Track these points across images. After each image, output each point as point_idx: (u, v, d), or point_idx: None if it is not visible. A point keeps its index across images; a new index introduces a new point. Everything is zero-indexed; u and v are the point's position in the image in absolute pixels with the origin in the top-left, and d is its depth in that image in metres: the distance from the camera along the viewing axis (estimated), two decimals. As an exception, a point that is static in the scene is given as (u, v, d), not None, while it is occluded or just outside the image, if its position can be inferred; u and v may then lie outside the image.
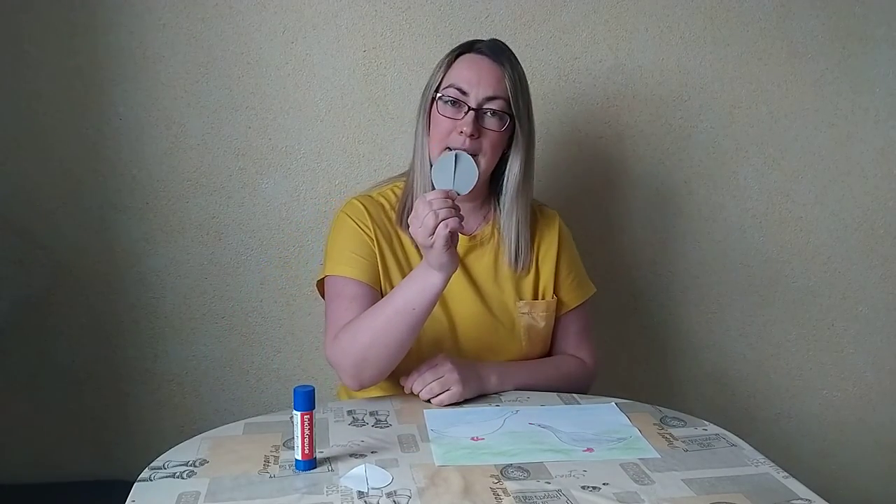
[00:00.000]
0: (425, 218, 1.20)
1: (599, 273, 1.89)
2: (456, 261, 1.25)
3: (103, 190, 1.76)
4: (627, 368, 1.96)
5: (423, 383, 1.31)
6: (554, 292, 1.50)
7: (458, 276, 1.42)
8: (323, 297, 1.46)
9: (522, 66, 1.42)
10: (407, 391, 1.34)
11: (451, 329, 1.43)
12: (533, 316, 1.46)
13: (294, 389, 1.10)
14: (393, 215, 1.45)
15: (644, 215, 1.91)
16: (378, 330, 1.28)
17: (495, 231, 1.46)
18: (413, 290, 1.27)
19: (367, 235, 1.41)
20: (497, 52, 1.41)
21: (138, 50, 1.72)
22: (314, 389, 1.11)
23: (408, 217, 1.35)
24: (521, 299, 1.46)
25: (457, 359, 1.34)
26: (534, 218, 1.50)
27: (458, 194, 1.25)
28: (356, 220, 1.42)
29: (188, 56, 1.73)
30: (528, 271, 1.47)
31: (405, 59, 1.77)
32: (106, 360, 1.82)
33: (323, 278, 1.44)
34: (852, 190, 1.95)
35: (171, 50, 1.73)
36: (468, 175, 1.25)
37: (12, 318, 1.78)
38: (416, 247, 1.43)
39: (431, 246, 1.21)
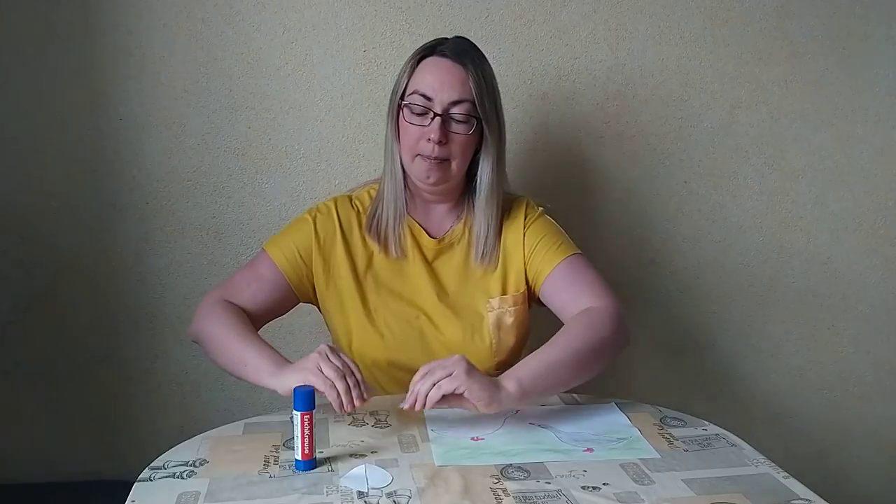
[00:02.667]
0: (320, 377, 1.18)
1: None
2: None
3: (103, 190, 1.76)
4: (627, 368, 1.96)
5: (432, 380, 1.18)
6: (526, 276, 1.45)
7: (425, 280, 1.44)
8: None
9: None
10: (416, 406, 1.18)
11: (419, 332, 1.43)
12: (502, 311, 1.44)
13: (294, 389, 1.10)
14: (364, 220, 1.46)
15: (644, 215, 1.91)
16: (216, 346, 1.34)
17: (466, 230, 1.46)
18: (252, 367, 1.26)
19: (317, 243, 1.42)
20: (460, 53, 1.38)
21: (138, 50, 1.72)
22: (314, 389, 1.11)
23: (375, 225, 1.43)
24: (490, 297, 1.44)
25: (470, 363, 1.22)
26: (504, 214, 1.48)
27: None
28: (317, 224, 1.44)
29: (188, 56, 1.73)
30: (496, 267, 1.45)
31: (405, 58, 1.76)
32: (106, 360, 1.82)
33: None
34: (852, 190, 1.95)
35: (171, 50, 1.72)
36: (381, 478, 1.08)
37: (12, 319, 1.78)
38: (383, 252, 1.44)
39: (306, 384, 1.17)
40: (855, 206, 1.95)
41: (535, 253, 1.44)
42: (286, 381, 1.19)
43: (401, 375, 1.39)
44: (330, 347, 1.23)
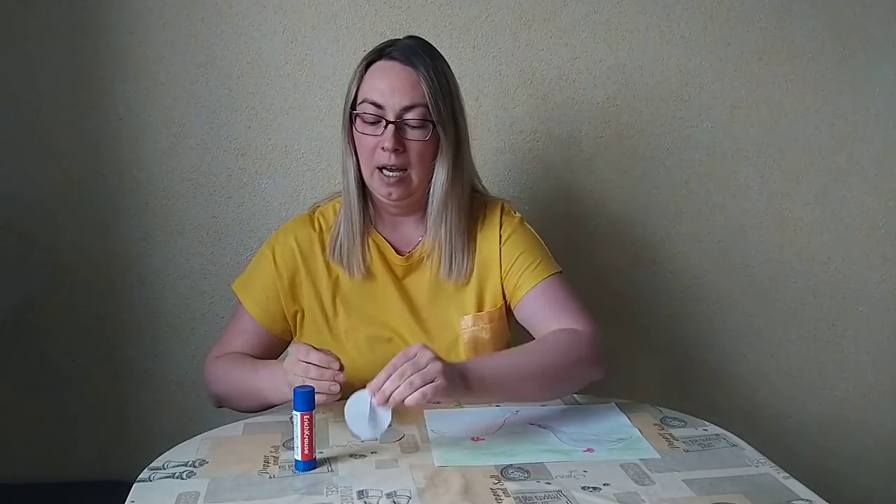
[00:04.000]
0: (303, 377, 1.17)
1: (599, 273, 1.89)
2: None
3: (103, 190, 1.76)
4: (627, 368, 1.96)
5: (399, 378, 1.11)
6: (503, 290, 1.39)
7: (396, 299, 1.39)
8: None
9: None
10: (379, 400, 1.11)
11: (393, 354, 1.21)
12: (476, 328, 1.37)
13: (294, 389, 1.10)
14: (327, 238, 1.40)
15: (644, 215, 1.91)
16: (238, 396, 1.36)
17: (436, 244, 1.37)
18: (269, 388, 1.28)
19: (283, 282, 1.38)
20: (410, 54, 1.31)
21: (138, 50, 1.72)
22: (314, 390, 1.11)
23: (337, 249, 1.37)
24: (465, 314, 1.38)
25: (432, 350, 1.15)
26: (478, 222, 1.41)
27: (375, 438, 1.16)
28: (279, 263, 1.39)
29: (188, 56, 1.73)
30: (468, 281, 1.38)
31: (405, 59, 1.77)
32: (106, 360, 1.82)
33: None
34: (852, 190, 1.94)
35: (171, 50, 1.72)
36: (383, 418, 1.13)
37: (12, 318, 1.78)
38: (348, 278, 1.38)
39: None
40: (855, 206, 1.95)
41: (513, 268, 1.37)
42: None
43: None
44: (302, 349, 1.20)
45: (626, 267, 1.91)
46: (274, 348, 1.44)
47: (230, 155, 1.78)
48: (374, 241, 1.40)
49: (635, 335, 1.96)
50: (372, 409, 1.12)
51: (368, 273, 1.39)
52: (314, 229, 1.41)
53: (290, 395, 1.11)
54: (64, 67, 1.71)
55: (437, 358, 1.13)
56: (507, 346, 1.40)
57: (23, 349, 1.79)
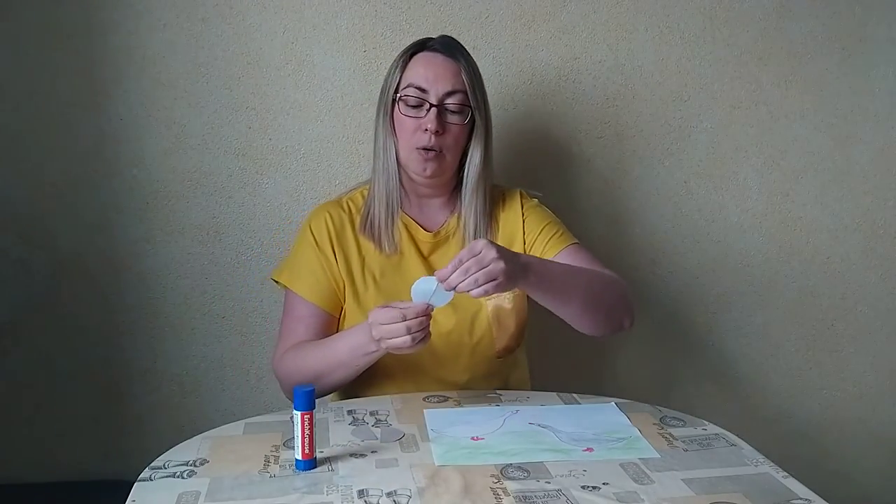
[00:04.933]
0: (394, 326, 1.22)
1: (599, 273, 1.89)
2: None
3: (103, 190, 1.76)
4: (627, 368, 1.96)
5: (464, 273, 1.18)
6: None
7: (422, 274, 1.41)
8: (277, 283, 1.51)
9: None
10: (447, 287, 1.20)
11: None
12: (500, 298, 1.46)
13: (294, 389, 1.10)
14: (358, 219, 1.48)
15: (644, 215, 1.91)
16: (321, 372, 1.36)
17: (460, 223, 1.48)
18: (357, 353, 1.32)
19: (325, 255, 1.45)
20: (450, 47, 1.44)
21: (138, 50, 1.72)
22: (314, 389, 1.11)
23: (369, 225, 1.46)
24: None
25: (497, 244, 1.22)
26: (498, 205, 1.52)
27: (435, 307, 1.24)
28: (316, 236, 1.47)
29: (188, 56, 1.73)
30: None
31: (405, 59, 1.77)
32: (106, 360, 1.82)
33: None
34: (852, 190, 1.95)
35: (171, 50, 1.73)
36: (446, 295, 1.22)
37: (13, 318, 1.78)
38: (378, 249, 1.46)
39: (388, 347, 1.25)
40: (855, 206, 1.95)
41: (539, 238, 1.47)
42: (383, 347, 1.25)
43: (399, 371, 1.41)
44: (380, 310, 1.25)
45: (626, 267, 1.91)
46: (331, 328, 1.47)
47: (230, 155, 1.78)
48: (402, 220, 1.48)
49: (635, 335, 1.95)
50: (436, 292, 1.22)
51: (396, 249, 1.46)
52: (344, 211, 1.50)
53: (381, 352, 1.27)
54: (64, 67, 1.71)
55: (501, 257, 1.19)
56: (526, 320, 1.50)
57: (23, 349, 1.79)
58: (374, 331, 1.25)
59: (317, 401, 1.11)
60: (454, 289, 1.19)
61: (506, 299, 1.46)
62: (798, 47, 1.87)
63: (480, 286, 1.17)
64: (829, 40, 1.88)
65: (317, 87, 1.77)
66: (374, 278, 1.46)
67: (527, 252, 1.47)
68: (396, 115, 1.43)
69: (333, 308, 1.46)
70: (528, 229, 1.49)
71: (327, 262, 1.45)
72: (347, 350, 1.33)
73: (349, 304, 1.46)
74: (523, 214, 1.51)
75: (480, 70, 1.47)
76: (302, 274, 1.46)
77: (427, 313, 1.23)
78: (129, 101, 1.73)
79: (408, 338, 1.21)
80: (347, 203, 1.51)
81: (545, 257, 1.44)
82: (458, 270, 1.18)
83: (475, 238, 1.44)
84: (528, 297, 1.46)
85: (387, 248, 1.46)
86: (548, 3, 1.79)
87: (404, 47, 1.47)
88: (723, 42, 1.85)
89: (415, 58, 1.44)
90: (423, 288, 1.23)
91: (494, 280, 1.18)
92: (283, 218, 1.80)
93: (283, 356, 1.43)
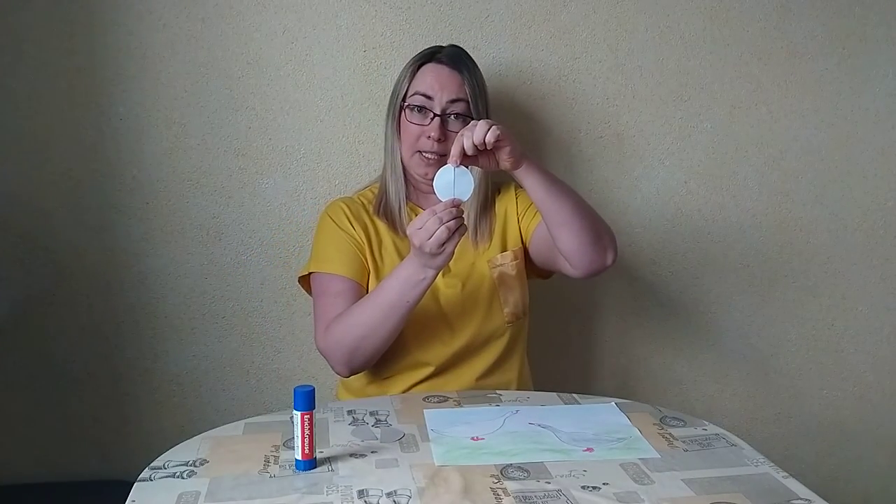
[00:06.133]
0: (428, 223, 1.27)
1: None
2: (449, 258, 1.31)
3: (103, 190, 1.76)
4: (627, 368, 1.96)
5: (470, 130, 1.28)
6: (520, 232, 1.57)
7: None
8: (306, 291, 1.58)
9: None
10: (456, 158, 1.28)
11: (438, 314, 1.50)
12: (504, 265, 1.54)
13: (294, 389, 1.10)
14: (370, 208, 1.57)
15: (644, 215, 1.91)
16: (374, 322, 1.38)
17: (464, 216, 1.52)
18: (408, 285, 1.35)
19: (348, 233, 1.52)
20: (456, 59, 1.53)
21: (138, 50, 1.72)
22: (314, 389, 1.11)
23: (383, 207, 1.55)
24: (489, 261, 1.54)
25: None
26: (495, 196, 1.60)
27: (462, 201, 1.30)
28: (337, 221, 1.53)
29: (188, 56, 1.73)
30: (490, 240, 1.56)
31: (405, 59, 1.75)
32: (106, 360, 1.82)
33: (308, 275, 1.54)
34: (852, 190, 1.95)
35: (171, 50, 1.73)
36: (466, 184, 1.29)
37: (12, 318, 1.78)
38: (392, 230, 1.54)
39: (432, 252, 1.28)
40: (855, 206, 1.95)
41: (529, 209, 1.55)
42: (435, 263, 1.31)
43: (410, 340, 1.47)
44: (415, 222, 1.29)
45: (626, 267, 1.91)
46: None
47: (230, 155, 1.78)
48: (410, 208, 1.57)
49: (635, 335, 1.96)
50: (457, 177, 1.28)
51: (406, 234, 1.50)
52: (356, 202, 1.59)
53: (431, 275, 1.33)
54: (64, 67, 1.71)
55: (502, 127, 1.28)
56: (526, 292, 1.57)
57: (23, 349, 1.79)
58: (414, 239, 1.28)
59: (317, 401, 1.11)
60: (466, 157, 1.28)
61: (509, 266, 1.53)
62: (798, 47, 1.87)
63: (485, 133, 1.25)
64: (829, 40, 1.88)
65: (317, 87, 1.77)
66: (391, 257, 1.52)
67: (520, 221, 1.57)
68: (402, 121, 1.53)
69: (366, 282, 1.51)
70: (520, 203, 1.58)
71: (350, 237, 1.51)
72: (397, 287, 1.36)
73: (371, 282, 1.51)
74: (516, 193, 1.60)
75: (481, 70, 1.52)
76: (329, 254, 1.51)
77: (455, 205, 1.28)
78: (129, 101, 1.73)
79: (443, 228, 1.25)
80: (359, 198, 1.60)
81: (536, 218, 1.51)
82: (464, 135, 1.27)
83: (476, 226, 1.54)
84: (524, 270, 1.56)
85: (399, 230, 1.53)
86: (548, 3, 1.79)
87: (414, 55, 1.56)
88: (723, 42, 1.85)
89: (423, 68, 1.53)
90: (445, 179, 1.29)
91: (493, 126, 1.26)
92: (283, 218, 1.80)
93: (326, 330, 1.44)
